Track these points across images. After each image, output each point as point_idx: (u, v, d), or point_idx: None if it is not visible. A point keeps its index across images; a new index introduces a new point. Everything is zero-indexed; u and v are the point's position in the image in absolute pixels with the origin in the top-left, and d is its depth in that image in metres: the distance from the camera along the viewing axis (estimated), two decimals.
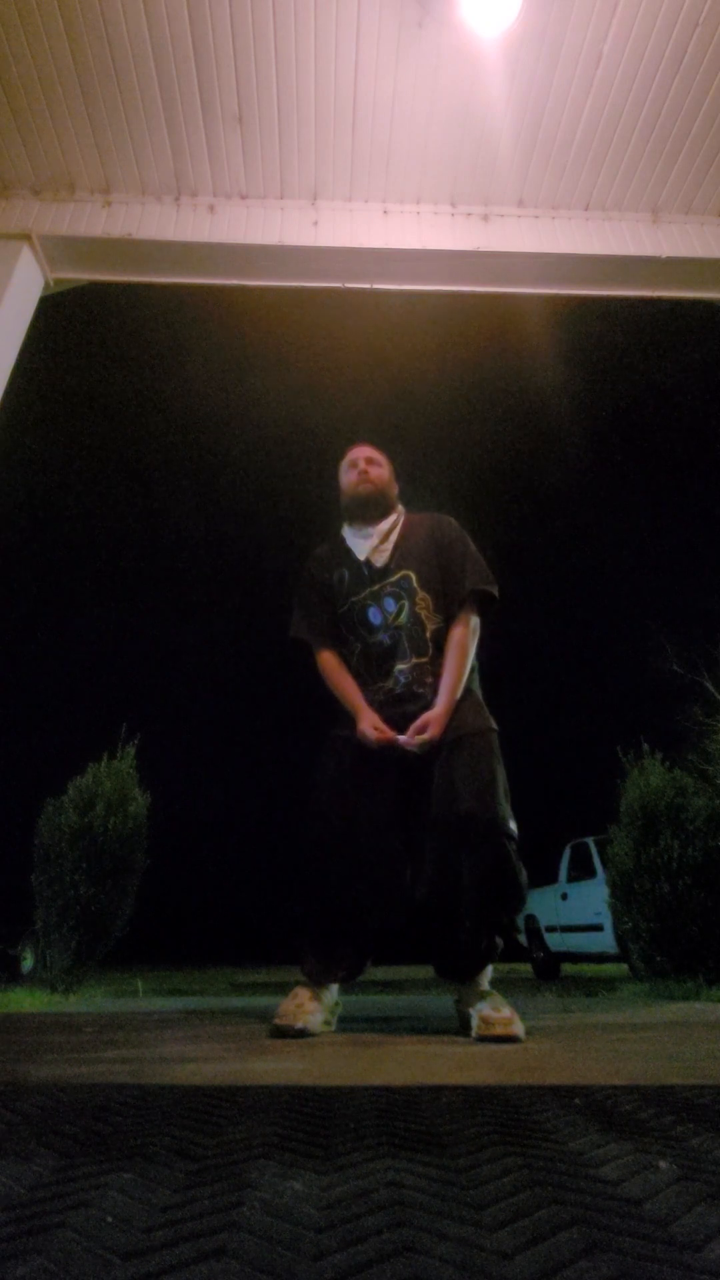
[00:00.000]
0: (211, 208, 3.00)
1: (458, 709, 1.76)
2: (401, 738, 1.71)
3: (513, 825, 1.64)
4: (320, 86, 2.65)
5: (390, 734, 1.72)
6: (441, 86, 2.65)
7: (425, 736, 1.69)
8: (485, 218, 3.04)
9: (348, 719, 1.82)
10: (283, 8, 2.45)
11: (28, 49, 2.53)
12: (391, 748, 1.72)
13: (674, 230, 3.07)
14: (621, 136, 2.81)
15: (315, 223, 3.00)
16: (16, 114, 2.72)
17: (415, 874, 1.67)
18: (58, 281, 3.05)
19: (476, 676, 1.90)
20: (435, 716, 1.72)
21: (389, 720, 1.75)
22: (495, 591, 1.89)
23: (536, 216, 3.06)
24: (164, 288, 3.17)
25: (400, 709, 1.78)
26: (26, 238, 2.85)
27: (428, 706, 1.75)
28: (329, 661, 1.93)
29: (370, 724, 1.74)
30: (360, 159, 2.89)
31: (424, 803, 1.69)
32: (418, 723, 1.71)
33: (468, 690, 1.82)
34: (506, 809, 1.64)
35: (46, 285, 3.02)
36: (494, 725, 1.78)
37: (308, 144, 2.84)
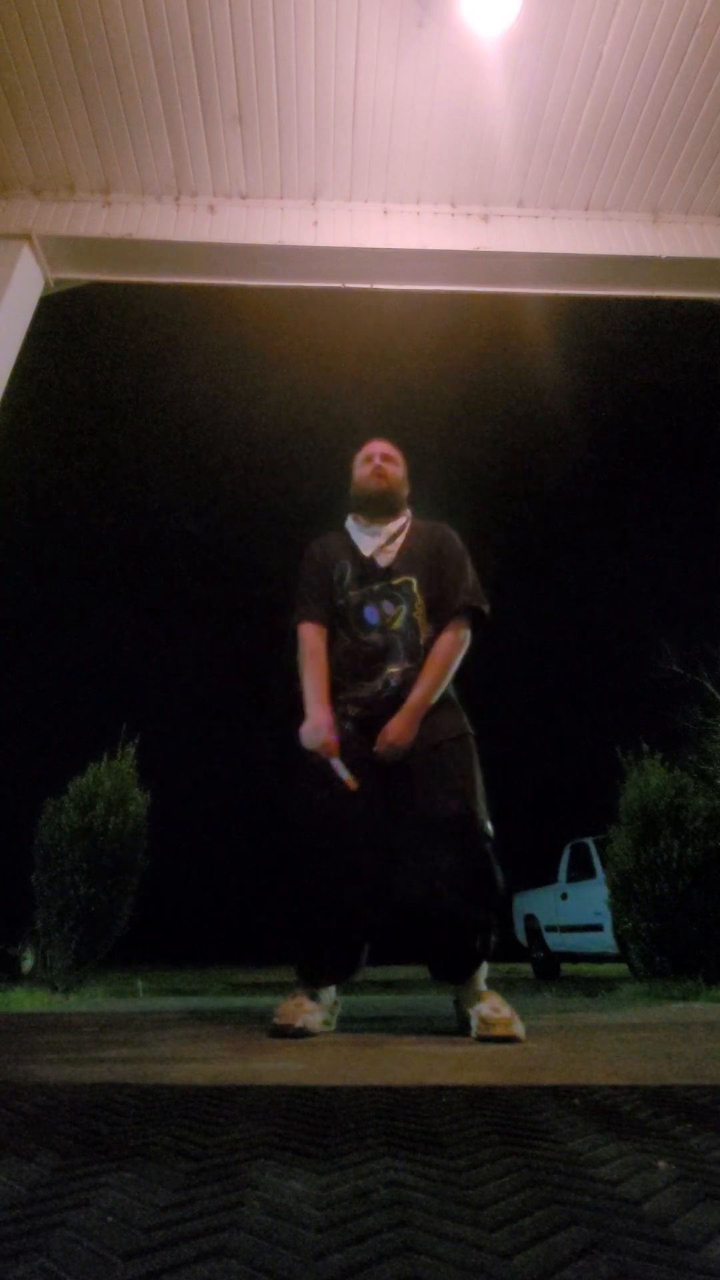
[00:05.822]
0: (211, 208, 3.00)
1: (435, 714, 1.75)
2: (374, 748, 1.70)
3: (489, 826, 1.68)
4: (320, 86, 2.65)
5: (333, 747, 1.69)
6: (441, 86, 2.65)
7: (389, 749, 1.68)
8: (485, 218, 3.04)
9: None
10: (283, 8, 2.45)
11: (28, 49, 2.53)
12: (355, 749, 1.69)
13: (674, 230, 3.07)
14: (621, 136, 2.81)
15: (315, 223, 3.00)
16: (16, 114, 2.72)
17: (396, 875, 1.67)
18: (58, 281, 3.05)
19: (450, 684, 1.88)
20: (394, 725, 1.70)
21: (375, 723, 1.73)
22: (487, 610, 1.89)
23: (536, 216, 3.06)
24: (164, 288, 3.17)
25: (387, 711, 1.75)
26: (26, 238, 2.86)
27: None
28: (313, 641, 1.87)
29: (323, 723, 1.70)
30: (360, 159, 2.89)
31: (403, 804, 1.68)
32: (380, 734, 1.70)
33: (445, 696, 1.81)
34: (484, 810, 1.68)
35: (46, 285, 3.02)
36: (470, 729, 1.79)
37: (308, 144, 2.84)
